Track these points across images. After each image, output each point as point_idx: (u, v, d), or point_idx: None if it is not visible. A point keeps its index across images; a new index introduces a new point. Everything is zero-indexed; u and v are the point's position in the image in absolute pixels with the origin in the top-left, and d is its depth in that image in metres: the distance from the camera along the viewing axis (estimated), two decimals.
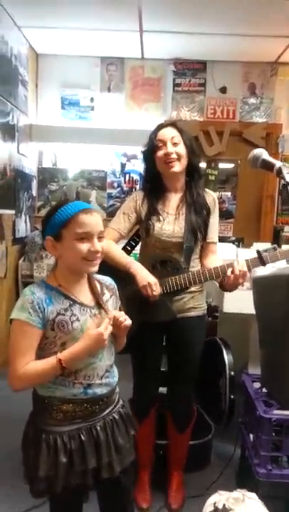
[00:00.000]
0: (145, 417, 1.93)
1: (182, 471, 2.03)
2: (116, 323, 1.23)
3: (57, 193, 4.07)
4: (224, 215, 4.17)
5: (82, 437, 1.21)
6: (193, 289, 1.78)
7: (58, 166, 4.15)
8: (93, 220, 1.20)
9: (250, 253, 2.53)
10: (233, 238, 3.48)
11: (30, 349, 1.17)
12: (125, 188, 4.16)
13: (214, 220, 1.85)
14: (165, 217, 1.79)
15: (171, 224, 1.78)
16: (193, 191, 1.80)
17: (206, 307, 1.93)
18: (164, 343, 1.92)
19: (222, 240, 2.47)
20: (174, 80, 4.18)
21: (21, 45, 3.67)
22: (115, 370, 1.33)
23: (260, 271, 1.93)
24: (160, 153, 1.75)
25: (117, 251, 1.80)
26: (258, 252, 1.64)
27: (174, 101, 4.19)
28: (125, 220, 1.84)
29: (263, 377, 2.01)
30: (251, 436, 1.94)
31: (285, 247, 2.34)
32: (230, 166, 4.27)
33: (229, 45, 3.78)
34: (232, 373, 2.27)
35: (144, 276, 1.68)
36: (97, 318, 1.22)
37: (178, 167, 1.75)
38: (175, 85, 4.19)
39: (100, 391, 1.25)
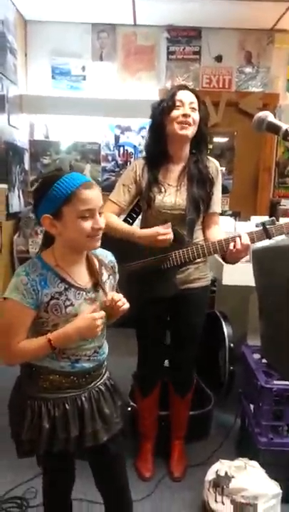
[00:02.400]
0: (150, 391, 1.95)
1: (183, 441, 2.07)
2: (114, 306, 1.22)
3: (50, 167, 3.94)
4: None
5: (67, 406, 1.22)
6: (197, 259, 1.75)
7: (50, 138, 4.03)
8: (95, 195, 1.13)
9: (249, 226, 2.50)
10: (230, 212, 3.44)
11: (23, 328, 1.17)
12: (120, 162, 4.07)
13: (217, 190, 1.82)
14: (166, 188, 1.75)
15: (172, 196, 1.74)
16: (199, 164, 1.76)
17: (211, 277, 1.92)
18: (168, 318, 1.92)
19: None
20: (167, 47, 4.02)
21: (8, 11, 3.50)
22: (105, 346, 1.32)
23: (259, 243, 1.92)
24: (176, 112, 1.68)
25: (116, 222, 1.77)
26: (263, 224, 1.61)
27: (168, 70, 4.06)
28: (125, 191, 1.80)
29: (262, 348, 2.00)
30: (252, 406, 1.97)
31: (282, 219, 2.32)
32: (225, 139, 4.18)
33: (224, 11, 3.62)
34: (231, 345, 2.29)
35: (148, 235, 1.65)
36: (95, 305, 1.19)
37: (190, 131, 1.71)
38: (169, 53, 4.03)
39: (87, 365, 1.25)
